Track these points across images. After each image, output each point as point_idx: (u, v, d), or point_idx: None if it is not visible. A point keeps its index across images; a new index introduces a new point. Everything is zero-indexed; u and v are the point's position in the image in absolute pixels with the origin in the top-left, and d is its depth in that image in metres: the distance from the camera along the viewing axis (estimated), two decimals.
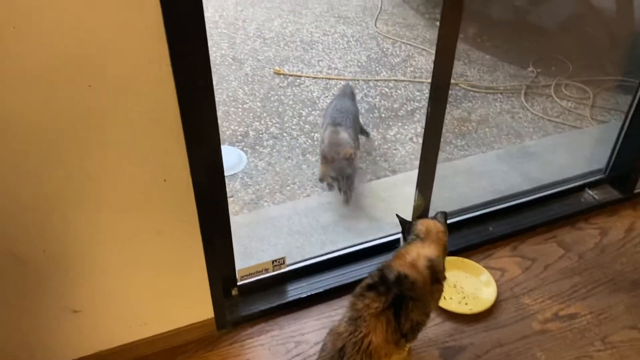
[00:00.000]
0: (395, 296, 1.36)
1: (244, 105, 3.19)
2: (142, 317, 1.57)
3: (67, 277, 1.40)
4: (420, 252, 1.50)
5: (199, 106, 1.31)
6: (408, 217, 1.69)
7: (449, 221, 2.01)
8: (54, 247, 1.33)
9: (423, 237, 1.55)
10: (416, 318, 1.39)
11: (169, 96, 1.24)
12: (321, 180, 2.54)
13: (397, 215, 1.63)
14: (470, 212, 2.10)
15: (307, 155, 2.85)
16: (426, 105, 3.17)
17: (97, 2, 1.09)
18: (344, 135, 2.50)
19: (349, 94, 2.84)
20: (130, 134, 1.26)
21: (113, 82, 1.18)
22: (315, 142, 2.91)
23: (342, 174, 2.39)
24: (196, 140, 1.34)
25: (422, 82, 3.45)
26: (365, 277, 1.44)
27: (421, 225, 1.59)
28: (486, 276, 1.90)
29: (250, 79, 3.43)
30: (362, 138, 2.84)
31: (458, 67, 3.54)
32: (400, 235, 1.67)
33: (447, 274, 1.86)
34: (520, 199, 2.19)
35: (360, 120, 2.86)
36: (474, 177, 2.57)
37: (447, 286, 1.85)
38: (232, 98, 3.23)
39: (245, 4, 4.31)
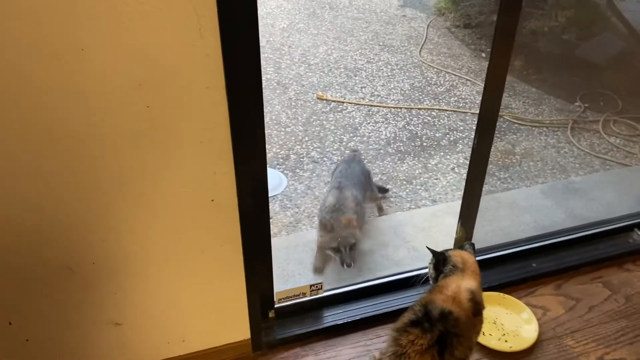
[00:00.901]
0: (440, 333, 1.34)
1: (287, 129, 3.24)
2: (180, 334, 1.59)
3: (111, 290, 1.44)
4: (461, 285, 1.48)
5: (249, 130, 1.34)
6: (446, 248, 1.67)
7: (490, 255, 2.00)
8: (102, 260, 1.37)
9: (461, 267, 1.53)
10: (460, 355, 1.37)
11: (222, 119, 1.28)
12: (321, 248, 2.22)
13: (427, 247, 1.62)
14: (513, 247, 2.05)
15: None
16: (469, 135, 3.17)
17: (161, 29, 1.14)
18: (348, 195, 2.28)
19: (357, 160, 2.61)
20: (183, 154, 1.30)
21: (170, 105, 1.22)
22: None
23: (344, 244, 2.15)
24: (244, 162, 1.37)
25: (466, 112, 3.44)
26: (406, 311, 1.42)
27: (457, 257, 1.57)
28: (528, 314, 1.85)
29: (293, 103, 3.49)
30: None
31: (503, 98, 3.51)
32: (425, 270, 1.65)
33: (487, 309, 1.83)
34: (564, 236, 2.13)
35: (374, 180, 2.69)
36: (517, 211, 2.53)
37: (487, 322, 1.82)
38: (275, 121, 3.29)
39: (292, 30, 4.41)
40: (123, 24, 1.11)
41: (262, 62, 1.32)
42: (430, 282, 1.60)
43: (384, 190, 2.76)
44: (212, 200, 1.38)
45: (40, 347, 1.45)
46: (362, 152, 3.03)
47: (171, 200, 1.35)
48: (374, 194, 2.59)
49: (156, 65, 1.17)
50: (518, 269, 2.01)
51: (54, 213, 1.27)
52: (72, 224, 1.29)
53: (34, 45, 1.08)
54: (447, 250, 1.61)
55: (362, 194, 2.39)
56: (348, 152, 2.99)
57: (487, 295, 1.87)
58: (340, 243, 2.14)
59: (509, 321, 1.84)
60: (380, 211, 2.64)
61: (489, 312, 1.85)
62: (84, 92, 1.16)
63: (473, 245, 1.67)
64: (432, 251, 1.60)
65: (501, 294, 1.91)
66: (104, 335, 1.50)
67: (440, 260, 1.57)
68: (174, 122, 1.25)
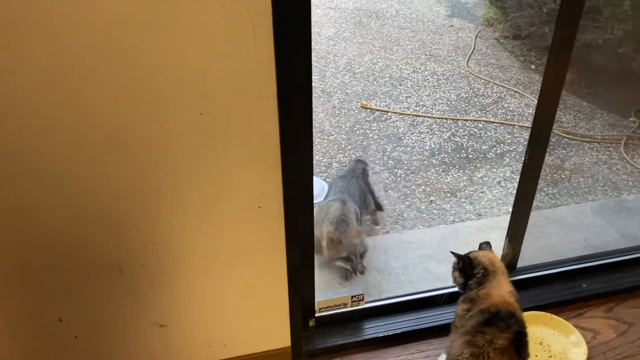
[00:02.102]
0: (516, 332, 1.36)
1: (330, 137, 3.24)
2: (222, 338, 1.61)
3: (158, 292, 1.47)
4: (502, 288, 1.49)
5: (298, 139, 1.35)
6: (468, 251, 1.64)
7: (538, 274, 1.95)
8: (151, 262, 1.40)
9: (492, 270, 1.52)
10: (529, 352, 1.41)
11: (272, 127, 1.29)
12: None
13: (452, 252, 1.60)
14: (562, 266, 1.99)
15: (389, 191, 2.84)
16: (517, 148, 3.09)
17: (217, 38, 1.16)
18: (350, 209, 2.31)
19: (357, 175, 2.59)
20: (233, 161, 1.31)
21: (223, 112, 1.24)
22: (398, 179, 2.90)
23: (355, 253, 2.19)
24: (292, 170, 1.37)
25: (514, 125, 3.36)
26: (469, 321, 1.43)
27: (484, 259, 1.55)
28: (576, 336, 1.78)
29: (337, 112, 3.49)
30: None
31: None
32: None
33: (533, 329, 1.79)
34: (617, 257, 2.05)
35: (376, 194, 2.70)
36: (566, 228, 2.44)
37: (533, 343, 1.76)
38: (318, 129, 3.30)
39: (338, 38, 4.42)
40: (179, 32, 1.13)
41: None
42: (457, 288, 1.59)
43: (379, 207, 2.69)
44: (259, 208, 1.39)
45: (88, 345, 1.49)
46: (404, 162, 3.01)
47: (219, 206, 1.37)
48: (370, 208, 2.60)
49: (211, 74, 1.19)
50: (567, 289, 1.94)
51: (109, 215, 1.30)
52: (124, 225, 1.33)
53: (95, 53, 1.12)
54: (469, 253, 1.59)
55: (360, 207, 2.44)
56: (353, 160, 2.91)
57: (534, 315, 1.82)
58: (351, 252, 2.19)
59: (556, 343, 1.78)
60: (376, 224, 2.62)
61: (535, 333, 1.79)
62: (138, 98, 1.19)
63: (489, 244, 1.67)
64: (457, 255, 1.58)
65: (548, 314, 1.84)
66: (149, 336, 1.53)
67: (467, 263, 1.55)
68: (226, 130, 1.26)
